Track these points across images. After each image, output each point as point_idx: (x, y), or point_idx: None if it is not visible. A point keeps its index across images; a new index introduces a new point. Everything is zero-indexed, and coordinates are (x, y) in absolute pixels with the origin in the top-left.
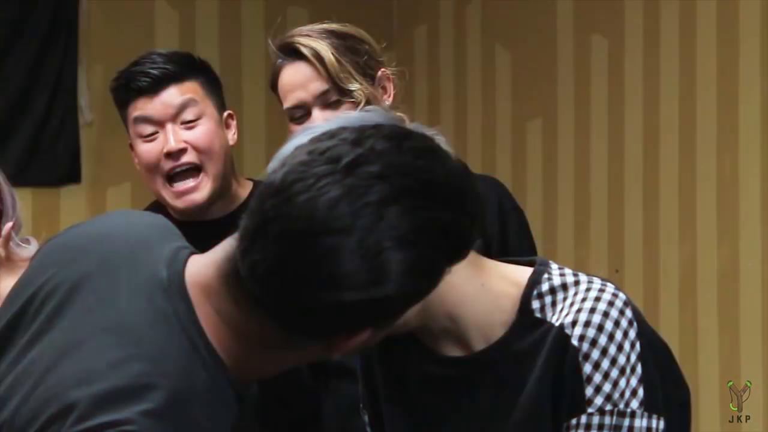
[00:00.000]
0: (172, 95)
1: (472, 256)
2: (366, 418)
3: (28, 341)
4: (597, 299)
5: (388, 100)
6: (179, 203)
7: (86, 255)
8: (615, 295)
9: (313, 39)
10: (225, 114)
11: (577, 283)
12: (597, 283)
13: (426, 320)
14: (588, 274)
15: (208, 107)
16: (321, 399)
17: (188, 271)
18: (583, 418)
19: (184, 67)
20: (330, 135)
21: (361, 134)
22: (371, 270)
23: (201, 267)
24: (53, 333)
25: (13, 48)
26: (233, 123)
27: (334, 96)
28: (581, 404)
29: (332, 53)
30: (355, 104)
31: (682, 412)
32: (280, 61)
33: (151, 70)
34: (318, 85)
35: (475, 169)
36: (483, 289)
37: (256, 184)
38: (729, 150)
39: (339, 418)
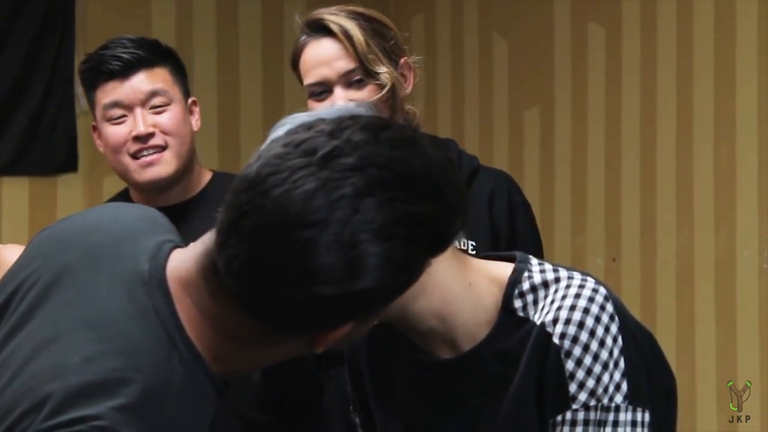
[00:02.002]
0: (142, 81)
1: (460, 255)
2: (357, 420)
3: (8, 333)
4: (577, 296)
5: (407, 89)
6: (145, 174)
7: (71, 247)
8: (595, 291)
9: (342, 18)
10: (189, 101)
11: (557, 279)
12: (577, 278)
13: (414, 319)
14: (569, 269)
15: (177, 94)
16: (323, 385)
17: (170, 264)
18: (568, 415)
19: (154, 53)
20: (307, 127)
21: (338, 125)
22: (347, 263)
23: (182, 261)
24: (33, 325)
25: (9, 37)
26: (197, 109)
27: (359, 76)
28: (565, 401)
29: (361, 34)
30: (381, 87)
31: (668, 399)
32: (304, 37)
33: (122, 54)
34: (344, 64)
35: None
36: (470, 289)
37: (216, 174)
38: (726, 139)
39: (341, 404)
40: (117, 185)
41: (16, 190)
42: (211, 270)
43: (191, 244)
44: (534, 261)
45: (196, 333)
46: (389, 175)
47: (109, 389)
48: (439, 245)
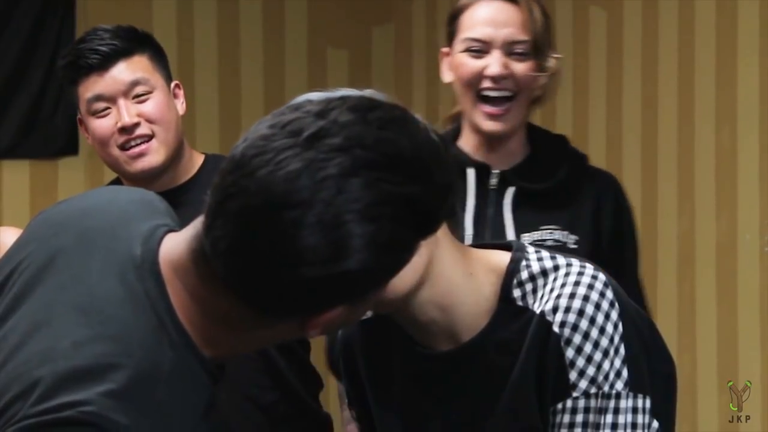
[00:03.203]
0: (122, 71)
1: (459, 245)
2: (353, 414)
3: (2, 316)
4: (576, 284)
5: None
6: (136, 165)
7: (66, 230)
8: (594, 277)
9: None
10: (173, 84)
11: (556, 268)
12: (575, 266)
13: (416, 310)
14: (566, 256)
15: (158, 80)
16: None
17: (162, 248)
18: (569, 402)
19: (132, 41)
20: (294, 108)
21: (325, 106)
22: (331, 244)
23: (174, 245)
24: (25, 309)
25: (10, 19)
26: (181, 93)
27: (525, 49)
28: (566, 389)
29: (540, 13)
30: (540, 68)
31: (668, 384)
32: None
33: (99, 47)
34: (514, 32)
35: None
36: (471, 279)
37: (208, 158)
38: (727, 122)
39: None
40: None
41: (17, 174)
42: (200, 253)
43: (185, 228)
44: (531, 249)
45: (188, 317)
46: (375, 155)
47: (98, 375)
48: (427, 227)
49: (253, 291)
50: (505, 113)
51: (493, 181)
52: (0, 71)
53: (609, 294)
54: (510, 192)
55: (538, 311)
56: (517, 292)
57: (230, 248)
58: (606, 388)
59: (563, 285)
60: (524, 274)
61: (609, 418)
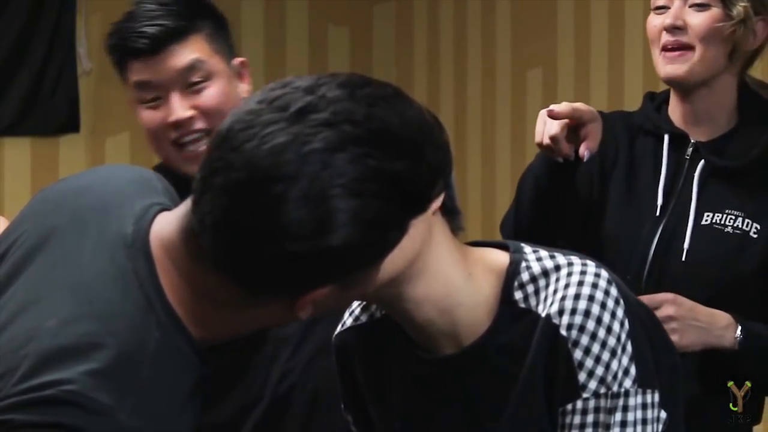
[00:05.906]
0: (175, 57)
1: (459, 244)
2: (349, 418)
3: None
4: (580, 283)
5: (754, 43)
6: (189, 167)
7: (61, 209)
8: (597, 275)
9: None
10: (237, 62)
11: (557, 267)
12: (577, 264)
13: (411, 307)
14: (565, 253)
15: (217, 63)
16: None
17: (154, 227)
18: (579, 404)
19: (186, 18)
20: (283, 84)
21: (315, 82)
22: (316, 219)
23: (165, 223)
24: (16, 287)
25: None
26: (246, 72)
27: (703, 0)
28: (575, 391)
29: None
30: (726, 16)
31: (672, 375)
32: None
33: (147, 29)
34: None
35: (474, 119)
36: (470, 279)
37: None
38: None
39: None
40: (120, 146)
41: (18, 151)
42: (189, 230)
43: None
44: (528, 249)
45: (178, 297)
46: (363, 131)
47: (81, 353)
48: (416, 206)
49: (238, 267)
50: (682, 56)
51: (688, 151)
52: (1, 49)
53: (613, 291)
54: (700, 166)
55: (543, 314)
56: (518, 294)
57: (216, 223)
58: (615, 388)
59: (567, 285)
60: (525, 276)
61: (618, 416)
